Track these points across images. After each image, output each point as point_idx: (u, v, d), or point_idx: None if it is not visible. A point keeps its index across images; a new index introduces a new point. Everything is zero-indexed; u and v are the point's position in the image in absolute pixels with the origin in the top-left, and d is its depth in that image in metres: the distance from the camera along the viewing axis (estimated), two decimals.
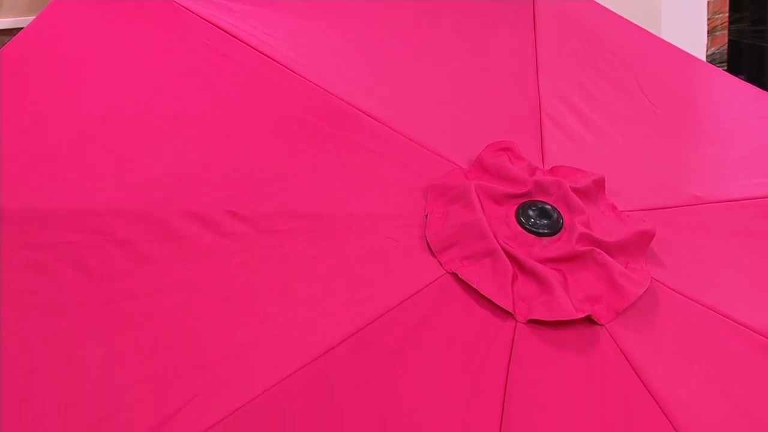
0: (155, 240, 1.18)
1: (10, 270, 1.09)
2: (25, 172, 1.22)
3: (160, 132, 1.36)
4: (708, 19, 3.64)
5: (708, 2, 3.62)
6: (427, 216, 1.35)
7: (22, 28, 1.42)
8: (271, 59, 1.49)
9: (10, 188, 1.17)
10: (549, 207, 1.39)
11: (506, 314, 1.22)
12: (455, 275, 1.25)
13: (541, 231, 1.35)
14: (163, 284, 1.13)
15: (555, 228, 1.36)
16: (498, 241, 1.30)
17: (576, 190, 1.44)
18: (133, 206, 1.22)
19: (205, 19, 1.49)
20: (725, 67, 4.13)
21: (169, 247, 1.18)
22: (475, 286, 1.23)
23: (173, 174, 1.30)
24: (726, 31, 4.47)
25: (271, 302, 1.15)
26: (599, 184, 1.49)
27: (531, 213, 1.37)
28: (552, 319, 1.21)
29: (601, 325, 1.23)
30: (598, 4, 2.04)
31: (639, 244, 1.38)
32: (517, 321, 1.21)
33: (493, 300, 1.22)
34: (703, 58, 3.43)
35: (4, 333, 1.02)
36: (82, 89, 1.38)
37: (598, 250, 1.31)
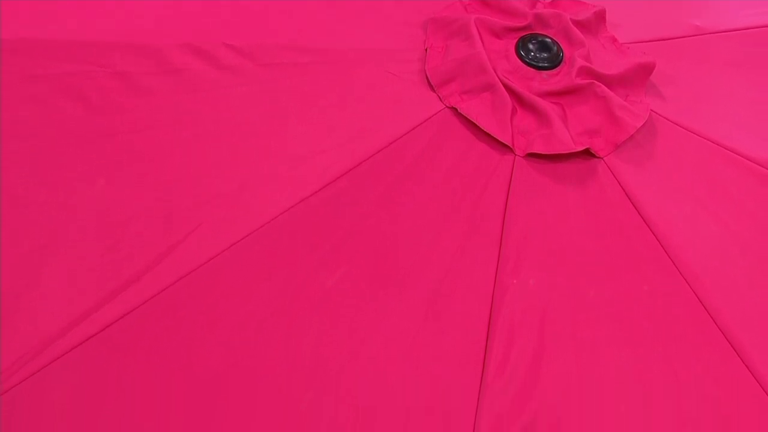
0: (153, 73, 1.12)
1: (11, 101, 1.04)
2: (24, 4, 1.15)
3: None
4: None
5: None
6: (426, 50, 1.29)
7: None
8: None
9: (9, 20, 1.11)
10: (549, 40, 1.32)
11: (505, 148, 1.18)
12: (454, 109, 1.20)
13: (540, 64, 1.29)
14: (162, 117, 1.08)
15: (555, 61, 1.30)
16: (497, 75, 1.24)
17: (576, 23, 1.36)
18: (131, 39, 1.16)
19: None
20: None
21: (167, 79, 1.12)
22: (474, 120, 1.18)
23: (171, 7, 1.23)
24: None
25: (271, 137, 1.10)
26: (600, 17, 1.42)
27: (531, 46, 1.31)
28: (551, 153, 1.17)
29: (600, 157, 1.19)
30: None
31: (639, 77, 1.32)
32: (515, 155, 1.17)
33: (492, 134, 1.18)
34: None
35: (4, 164, 0.98)
36: None
37: (597, 83, 1.25)
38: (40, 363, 0.84)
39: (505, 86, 1.23)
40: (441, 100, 1.22)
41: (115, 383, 0.87)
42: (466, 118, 1.19)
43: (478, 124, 1.18)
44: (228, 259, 0.96)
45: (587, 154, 1.19)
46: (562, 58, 1.30)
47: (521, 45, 1.31)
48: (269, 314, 0.94)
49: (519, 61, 1.29)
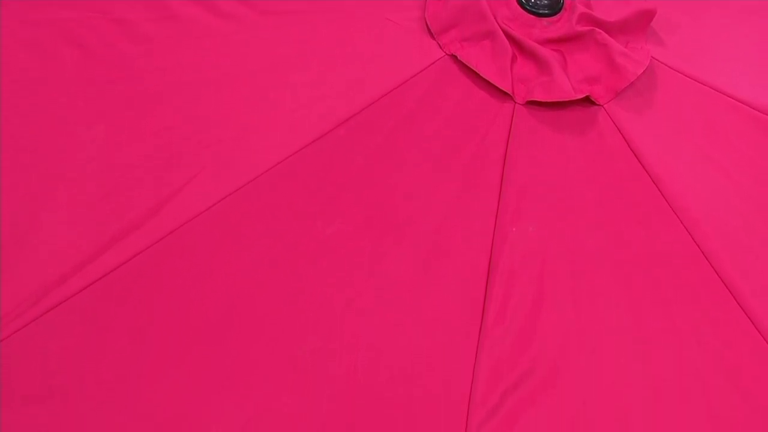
0: (153, 20, 1.10)
1: (9, 46, 1.03)
2: None
3: None
4: None
5: None
6: None
7: None
8: None
9: None
10: None
11: (505, 96, 1.16)
12: (454, 57, 1.18)
13: (541, 11, 1.26)
14: (161, 64, 1.06)
15: (555, 8, 1.27)
16: (498, 22, 1.22)
17: None
18: None
19: None
20: None
21: (167, 27, 1.10)
22: (474, 68, 1.16)
23: None
24: None
25: (270, 85, 1.08)
26: None
27: None
28: (550, 100, 1.15)
29: (600, 105, 1.18)
30: None
31: (640, 24, 1.29)
32: (515, 102, 1.16)
33: (492, 81, 1.16)
34: None
35: (3, 109, 0.97)
36: None
37: (598, 30, 1.23)
38: (41, 308, 0.84)
39: (506, 33, 1.21)
40: (441, 47, 1.19)
41: (118, 328, 0.87)
42: (466, 66, 1.17)
43: (477, 72, 1.16)
44: (228, 207, 0.95)
45: (587, 101, 1.18)
46: (562, 5, 1.28)
47: None
48: (269, 261, 0.94)
49: (519, 8, 1.26)
